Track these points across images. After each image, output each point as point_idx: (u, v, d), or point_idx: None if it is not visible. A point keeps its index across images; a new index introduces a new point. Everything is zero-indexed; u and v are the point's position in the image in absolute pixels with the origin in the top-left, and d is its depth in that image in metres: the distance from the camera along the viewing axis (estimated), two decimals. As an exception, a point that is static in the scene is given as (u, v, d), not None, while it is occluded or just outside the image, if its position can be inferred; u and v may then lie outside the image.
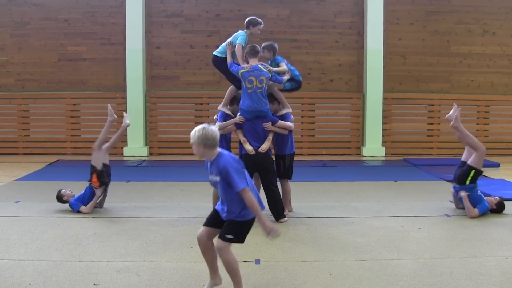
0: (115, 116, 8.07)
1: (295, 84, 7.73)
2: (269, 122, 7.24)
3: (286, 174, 7.64)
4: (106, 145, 7.92)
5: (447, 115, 7.76)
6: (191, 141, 4.42)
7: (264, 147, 7.17)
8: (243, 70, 7.12)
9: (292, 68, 7.69)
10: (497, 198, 7.62)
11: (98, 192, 7.65)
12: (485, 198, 7.55)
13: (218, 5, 14.43)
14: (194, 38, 14.52)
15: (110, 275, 5.06)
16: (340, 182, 10.30)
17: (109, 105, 8.33)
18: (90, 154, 7.94)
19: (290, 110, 7.62)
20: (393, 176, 10.90)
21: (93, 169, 7.74)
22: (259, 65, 7.14)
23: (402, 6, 14.54)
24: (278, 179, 7.54)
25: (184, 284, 4.87)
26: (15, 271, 5.11)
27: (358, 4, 14.52)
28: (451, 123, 7.67)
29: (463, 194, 7.42)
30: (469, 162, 7.56)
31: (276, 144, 7.58)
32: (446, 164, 12.04)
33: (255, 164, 7.07)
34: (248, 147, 7.16)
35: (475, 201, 7.41)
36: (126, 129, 8.51)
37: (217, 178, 4.50)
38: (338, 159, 13.76)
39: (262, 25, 7.63)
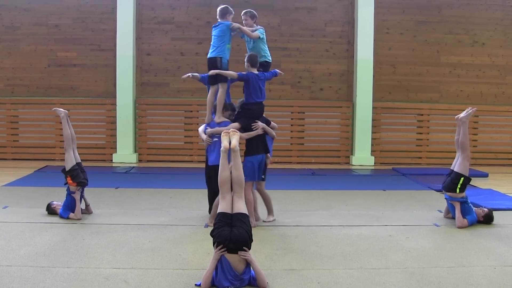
0: (63, 110, 7.93)
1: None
2: None
3: None
4: (70, 142, 7.80)
5: (459, 115, 7.69)
6: None
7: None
8: None
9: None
10: (485, 210, 7.59)
11: (76, 196, 7.60)
12: (474, 209, 7.58)
13: (209, 12, 14.41)
14: (185, 45, 14.53)
15: (98, 282, 5.03)
16: (329, 190, 10.30)
17: (53, 108, 8.24)
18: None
19: (217, 121, 7.66)
20: (382, 185, 10.93)
21: (64, 172, 7.71)
22: None
23: (393, 16, 14.62)
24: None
25: (172, 291, 4.86)
26: (2, 277, 5.08)
27: (348, 13, 14.59)
28: (461, 115, 7.63)
29: (455, 203, 7.45)
30: (456, 169, 7.58)
31: None
32: (434, 174, 12.10)
33: None
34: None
35: (465, 212, 7.43)
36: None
37: None
38: (327, 167, 13.77)
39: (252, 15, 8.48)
